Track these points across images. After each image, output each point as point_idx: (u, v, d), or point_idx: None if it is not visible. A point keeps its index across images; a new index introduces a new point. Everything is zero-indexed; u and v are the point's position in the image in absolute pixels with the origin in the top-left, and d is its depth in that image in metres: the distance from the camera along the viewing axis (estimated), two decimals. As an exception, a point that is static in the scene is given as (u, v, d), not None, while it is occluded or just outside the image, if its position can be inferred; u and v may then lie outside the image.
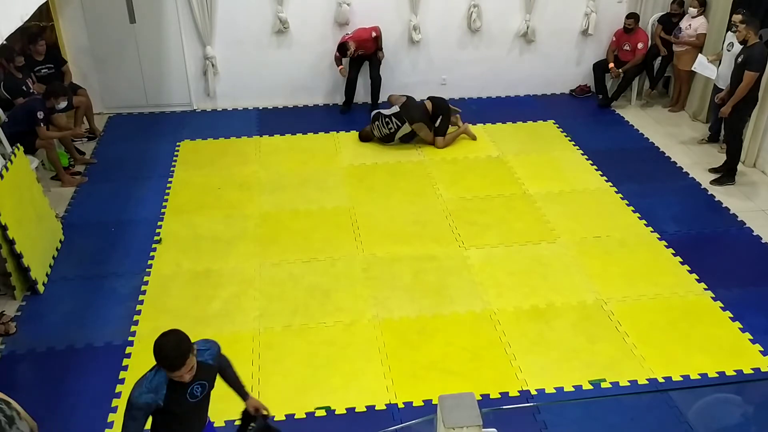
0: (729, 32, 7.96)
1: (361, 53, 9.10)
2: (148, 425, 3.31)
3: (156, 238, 6.73)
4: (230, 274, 6.22)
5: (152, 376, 3.22)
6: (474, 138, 8.69)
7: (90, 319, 5.67)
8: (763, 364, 5.20)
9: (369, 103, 9.43)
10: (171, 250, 6.56)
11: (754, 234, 6.83)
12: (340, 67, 9.17)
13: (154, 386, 3.20)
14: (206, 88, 9.50)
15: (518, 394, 4.93)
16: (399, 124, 8.34)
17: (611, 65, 9.49)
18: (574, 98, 10.07)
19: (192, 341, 3.25)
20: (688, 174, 7.94)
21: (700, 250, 6.57)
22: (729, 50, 7.82)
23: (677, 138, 8.77)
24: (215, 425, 4.66)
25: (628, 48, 9.41)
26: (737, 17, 7.58)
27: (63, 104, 7.47)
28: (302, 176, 7.88)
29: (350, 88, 9.42)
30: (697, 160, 8.21)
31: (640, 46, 9.32)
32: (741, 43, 7.19)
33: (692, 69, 8.33)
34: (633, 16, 9.31)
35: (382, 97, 9.40)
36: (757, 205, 7.30)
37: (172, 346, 3.12)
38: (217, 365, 3.49)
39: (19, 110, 7.28)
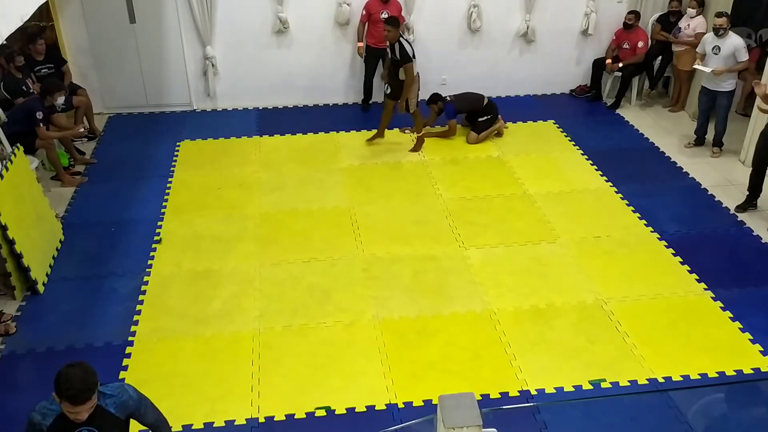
0: (711, 34, 7.93)
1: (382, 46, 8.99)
2: None
3: (156, 238, 6.73)
4: (230, 274, 6.22)
5: (49, 402, 3.10)
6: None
7: (90, 319, 5.67)
8: (763, 364, 5.20)
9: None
10: (171, 250, 6.56)
11: (754, 234, 6.83)
12: (360, 44, 9.19)
13: (44, 410, 3.10)
14: (206, 88, 9.50)
15: (518, 394, 4.93)
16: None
17: (608, 61, 9.52)
18: (574, 98, 10.08)
19: (99, 382, 3.05)
20: (688, 174, 7.93)
21: (700, 250, 6.57)
22: (716, 53, 7.81)
23: (677, 138, 8.76)
24: (215, 425, 4.68)
25: (627, 47, 9.43)
26: (722, 20, 7.60)
27: (61, 99, 7.43)
28: (302, 176, 7.88)
29: (367, 87, 9.52)
30: (697, 160, 8.20)
31: (640, 44, 9.33)
32: None
33: (694, 67, 8.30)
34: (634, 12, 9.34)
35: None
36: (758, 205, 7.29)
37: (79, 378, 2.92)
38: (122, 416, 3.18)
39: (18, 110, 7.28)
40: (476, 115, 8.73)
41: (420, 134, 8.42)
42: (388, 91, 8.18)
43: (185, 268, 6.31)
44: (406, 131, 8.94)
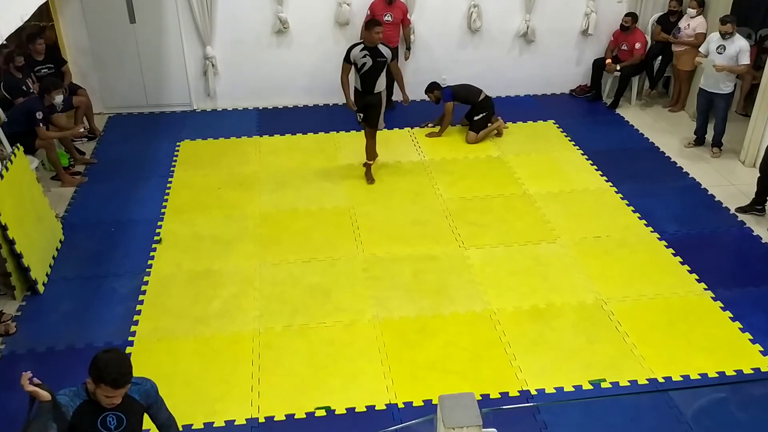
0: (717, 34, 7.90)
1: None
2: None
3: (156, 238, 6.73)
4: (230, 274, 6.21)
5: (73, 389, 3.17)
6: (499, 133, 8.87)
7: (90, 319, 5.67)
8: (763, 364, 5.20)
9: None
10: (171, 250, 6.55)
11: (754, 234, 6.83)
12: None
13: (72, 393, 3.16)
14: (206, 88, 9.51)
15: (518, 394, 4.93)
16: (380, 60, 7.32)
17: (608, 61, 9.53)
18: (574, 98, 10.08)
19: None
20: (688, 174, 7.93)
21: (700, 250, 6.57)
22: (721, 53, 7.80)
23: (677, 138, 8.76)
24: (215, 425, 4.68)
25: (625, 48, 9.44)
26: (726, 27, 7.58)
27: (59, 98, 7.42)
28: (302, 176, 7.88)
29: None
30: (697, 160, 8.21)
31: (637, 46, 9.34)
32: None
33: (696, 60, 8.25)
34: (631, 15, 9.36)
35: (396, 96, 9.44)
36: (766, 210, 7.26)
37: (118, 362, 3.06)
38: (144, 403, 3.31)
39: (18, 110, 7.28)
40: (472, 112, 8.74)
41: (371, 161, 7.78)
42: (360, 119, 7.54)
43: (185, 268, 6.31)
44: (429, 125, 9.00)
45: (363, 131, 7.78)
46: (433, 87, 8.77)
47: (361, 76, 7.28)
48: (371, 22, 7.34)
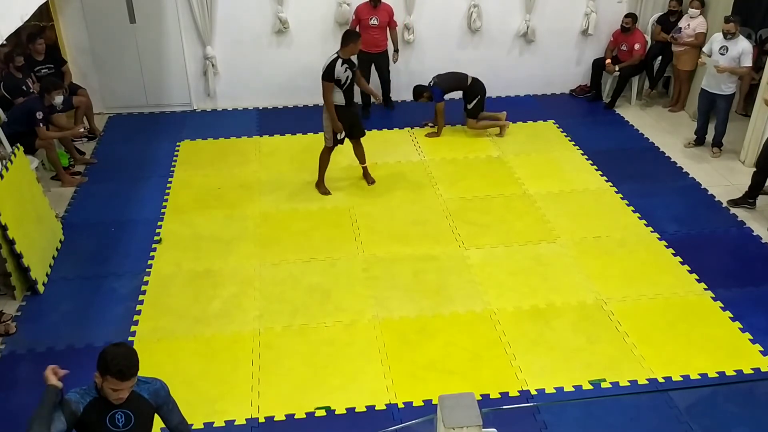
0: (720, 34, 7.89)
1: (373, 50, 8.89)
2: None
3: (156, 238, 6.73)
4: (230, 274, 6.22)
5: (87, 386, 3.19)
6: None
7: (90, 319, 5.67)
8: (763, 364, 5.20)
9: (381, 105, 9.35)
10: (171, 250, 6.56)
11: (754, 234, 6.83)
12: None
13: (81, 391, 3.18)
14: (206, 88, 9.51)
15: (518, 394, 4.93)
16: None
17: (608, 61, 9.53)
18: (574, 98, 10.08)
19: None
20: (688, 174, 7.94)
21: (700, 250, 6.57)
22: (723, 53, 7.80)
23: (677, 138, 8.76)
24: (215, 425, 4.68)
25: (625, 48, 9.45)
26: (729, 26, 7.58)
27: (59, 98, 7.43)
28: (302, 176, 7.88)
29: (364, 93, 9.34)
30: (697, 160, 8.21)
31: (637, 47, 9.34)
32: None
33: (700, 60, 8.27)
34: (631, 16, 9.36)
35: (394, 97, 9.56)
36: (757, 205, 7.29)
37: (124, 355, 3.07)
38: (153, 403, 3.31)
39: (18, 110, 7.28)
40: (465, 101, 8.72)
41: (365, 164, 7.67)
42: (341, 135, 7.27)
43: (185, 268, 6.31)
44: (429, 124, 8.99)
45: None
46: (421, 90, 8.64)
47: (344, 91, 7.03)
48: (354, 35, 7.10)
